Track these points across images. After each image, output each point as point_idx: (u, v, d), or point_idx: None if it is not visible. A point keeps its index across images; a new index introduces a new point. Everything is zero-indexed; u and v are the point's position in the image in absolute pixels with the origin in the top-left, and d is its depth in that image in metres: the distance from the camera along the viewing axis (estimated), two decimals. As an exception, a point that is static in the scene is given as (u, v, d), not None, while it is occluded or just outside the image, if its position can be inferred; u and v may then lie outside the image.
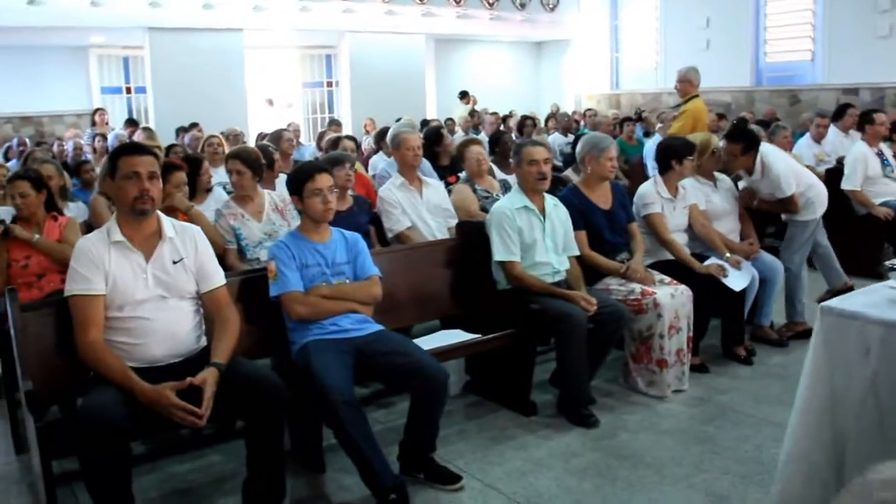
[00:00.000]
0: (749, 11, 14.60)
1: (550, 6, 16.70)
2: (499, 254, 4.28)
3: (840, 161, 7.83)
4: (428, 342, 3.90)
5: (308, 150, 9.95)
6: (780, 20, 14.44)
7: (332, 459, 3.69)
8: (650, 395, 4.53)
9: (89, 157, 9.75)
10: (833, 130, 8.82)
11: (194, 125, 10.41)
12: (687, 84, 7.58)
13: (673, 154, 5.10)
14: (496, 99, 15.92)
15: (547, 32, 17.06)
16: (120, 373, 2.88)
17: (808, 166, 7.90)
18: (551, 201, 4.49)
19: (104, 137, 9.83)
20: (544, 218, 4.40)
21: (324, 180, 3.58)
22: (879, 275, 7.09)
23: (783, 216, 5.70)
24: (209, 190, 5.48)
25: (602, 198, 4.77)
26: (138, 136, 9.98)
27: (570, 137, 10.96)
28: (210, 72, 12.24)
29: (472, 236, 4.48)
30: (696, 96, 7.50)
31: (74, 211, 5.46)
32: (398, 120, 8.96)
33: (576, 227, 4.57)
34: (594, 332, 4.19)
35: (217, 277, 3.26)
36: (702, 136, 5.62)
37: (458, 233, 4.71)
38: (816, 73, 14.01)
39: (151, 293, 3.07)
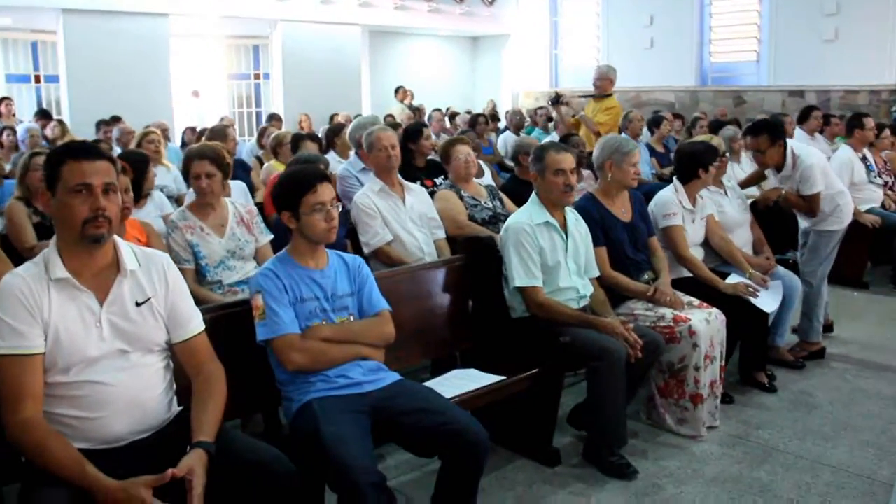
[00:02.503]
0: (694, 11, 14.33)
1: (489, 0, 16.11)
2: (519, 278, 3.60)
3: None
4: (444, 387, 3.18)
5: (245, 147, 9.05)
6: (726, 20, 14.22)
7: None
8: (681, 433, 3.96)
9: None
10: (799, 133, 8.60)
11: (116, 119, 9.40)
12: (607, 82, 7.85)
13: (699, 160, 4.52)
14: (431, 94, 15.25)
15: (485, 27, 16.48)
16: (70, 464, 2.08)
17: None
18: (572, 216, 3.84)
19: (13, 130, 8.73)
20: (566, 235, 3.74)
21: (326, 192, 2.84)
22: (865, 285, 6.79)
23: (805, 225, 5.18)
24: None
25: (622, 208, 4.16)
26: (51, 130, 8.95)
27: (523, 135, 10.38)
28: (132, 60, 11.15)
29: (481, 254, 3.78)
30: (611, 95, 7.84)
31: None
32: (357, 116, 8.16)
33: (596, 244, 3.94)
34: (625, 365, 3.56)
35: (195, 322, 2.47)
36: (711, 138, 5.08)
37: (463, 250, 3.98)
38: (762, 74, 13.83)
39: (108, 348, 2.26)
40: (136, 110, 10.10)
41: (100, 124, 9.27)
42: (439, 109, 12.21)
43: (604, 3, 15.59)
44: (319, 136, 8.84)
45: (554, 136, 9.34)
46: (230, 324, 2.90)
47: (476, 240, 3.96)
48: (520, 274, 3.60)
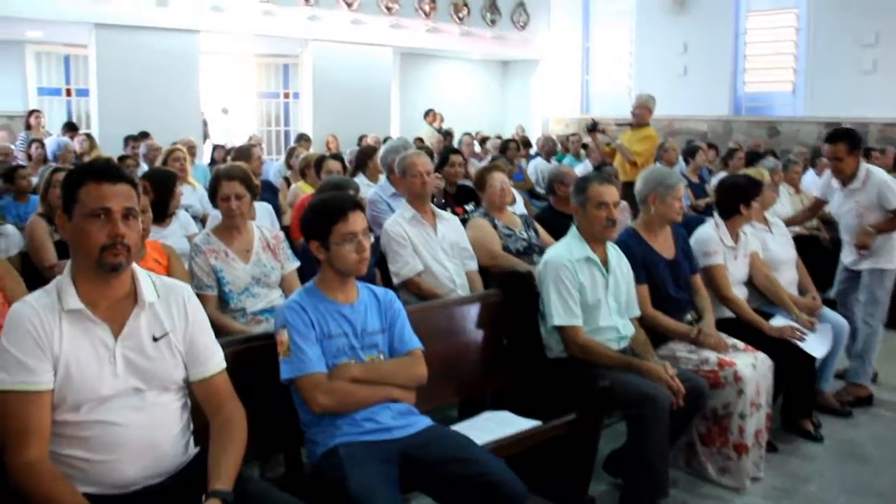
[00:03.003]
0: (728, 39, 14.08)
1: (521, 24, 16.01)
2: (558, 317, 3.41)
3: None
4: (477, 431, 2.98)
5: (273, 167, 8.94)
6: (761, 49, 13.96)
7: None
8: (723, 484, 3.73)
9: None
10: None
11: (144, 135, 9.33)
12: (646, 111, 7.72)
13: (740, 195, 4.33)
14: (461, 118, 15.10)
15: (516, 51, 16.31)
16: None
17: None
18: (614, 251, 3.65)
19: (41, 144, 8.67)
20: (608, 272, 3.55)
21: (358, 221, 2.67)
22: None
23: (849, 262, 4.96)
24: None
25: (665, 245, 3.97)
26: (78, 144, 8.90)
27: (554, 163, 10.20)
28: (162, 76, 11.05)
29: (518, 290, 3.59)
30: (648, 124, 7.71)
31: (3, 243, 4.33)
32: (386, 140, 8.02)
33: (637, 281, 3.75)
34: (667, 412, 3.35)
35: (215, 359, 2.30)
36: (758, 172, 4.89)
37: (499, 284, 3.79)
38: (797, 104, 13.55)
39: (122, 385, 2.10)
40: (165, 127, 10.02)
41: (127, 140, 9.20)
42: (469, 134, 12.05)
43: (637, 30, 15.40)
44: (344, 157, 8.81)
45: (587, 164, 9.19)
46: (252, 358, 2.73)
47: (513, 274, 3.77)
48: (559, 312, 3.41)
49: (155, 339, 2.17)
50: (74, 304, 2.07)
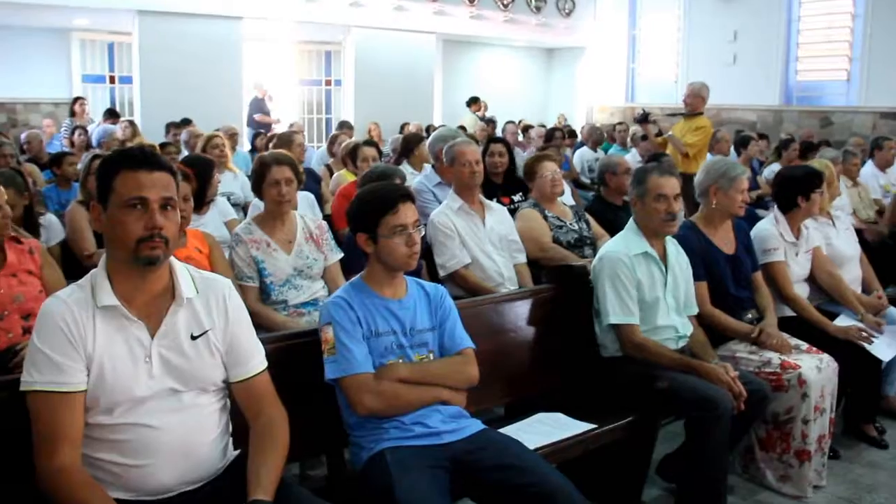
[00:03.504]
0: (781, 27, 13.68)
1: (566, 11, 15.72)
2: (614, 314, 3.24)
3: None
4: (529, 434, 2.84)
5: (314, 155, 8.84)
6: (814, 37, 13.54)
7: None
8: (783, 492, 3.55)
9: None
10: (868, 170, 7.72)
11: (186, 122, 9.28)
12: (699, 100, 7.42)
13: (797, 187, 4.11)
14: (504, 106, 14.89)
15: (561, 38, 16.04)
16: None
17: (874, 200, 7.03)
18: (673, 246, 3.47)
19: (85, 131, 8.67)
20: (666, 268, 3.37)
21: (409, 213, 2.53)
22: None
23: None
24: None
25: (725, 240, 3.77)
26: (120, 130, 8.87)
27: (599, 152, 9.98)
28: (204, 62, 11.05)
29: (573, 286, 3.42)
30: (702, 114, 7.43)
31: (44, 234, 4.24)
32: (437, 129, 7.85)
33: (696, 278, 3.55)
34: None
35: (256, 359, 2.17)
36: (821, 163, 4.65)
37: (552, 279, 3.63)
38: (852, 94, 13.13)
39: (158, 386, 1.98)
40: (207, 113, 10.00)
41: (169, 127, 9.17)
42: (513, 122, 11.84)
43: (685, 18, 15.06)
44: (387, 146, 8.69)
45: (634, 154, 8.95)
46: (295, 355, 2.61)
47: (567, 269, 3.61)
48: (615, 310, 3.24)
49: (193, 338, 2.04)
50: (109, 300, 1.95)
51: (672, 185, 3.31)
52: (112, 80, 13.45)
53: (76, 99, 11.18)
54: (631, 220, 3.46)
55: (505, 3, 14.62)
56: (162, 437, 1.96)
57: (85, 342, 1.92)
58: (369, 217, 2.53)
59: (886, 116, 12.43)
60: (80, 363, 1.90)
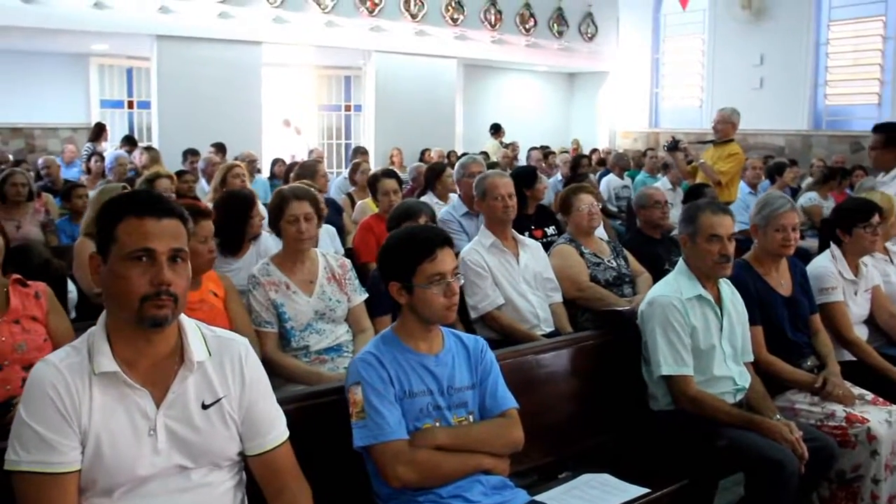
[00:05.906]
0: (809, 50, 13.42)
1: (589, 35, 15.50)
2: (667, 365, 2.96)
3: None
4: (574, 500, 2.56)
5: (334, 183, 8.61)
6: (843, 60, 13.26)
7: None
8: (850, 559, 3.22)
9: (83, 177, 8.50)
10: None
11: (220, 147, 9.19)
12: (730, 126, 7.12)
13: (851, 219, 3.83)
14: (524, 132, 14.65)
15: (583, 63, 15.81)
16: None
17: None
18: (728, 288, 3.19)
19: (101, 157, 8.48)
20: (721, 312, 3.09)
21: (448, 260, 2.27)
22: None
23: None
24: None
25: (781, 280, 3.49)
26: (138, 158, 8.68)
27: (626, 179, 9.71)
28: (223, 88, 10.89)
29: (622, 333, 3.14)
30: (733, 140, 7.11)
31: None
32: (463, 155, 7.63)
33: (752, 322, 3.27)
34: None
35: (277, 429, 1.91)
36: (885, 196, 4.36)
37: (597, 326, 3.35)
38: (883, 117, 12.77)
39: (164, 463, 1.73)
40: (226, 139, 9.83)
41: (187, 154, 8.98)
42: (537, 148, 11.58)
43: (709, 42, 14.82)
44: (407, 174, 8.45)
45: (664, 182, 8.68)
46: (319, 416, 2.35)
47: (615, 314, 3.32)
48: (667, 360, 2.96)
49: (204, 407, 1.79)
50: (108, 365, 1.70)
51: (726, 224, 3.03)
52: (130, 105, 13.35)
53: (99, 124, 11.04)
54: (681, 260, 3.18)
55: (527, 27, 14.44)
56: (168, 523, 1.70)
57: (79, 414, 1.67)
58: (403, 264, 2.27)
59: (920, 141, 12.09)
60: (73, 439, 1.66)
